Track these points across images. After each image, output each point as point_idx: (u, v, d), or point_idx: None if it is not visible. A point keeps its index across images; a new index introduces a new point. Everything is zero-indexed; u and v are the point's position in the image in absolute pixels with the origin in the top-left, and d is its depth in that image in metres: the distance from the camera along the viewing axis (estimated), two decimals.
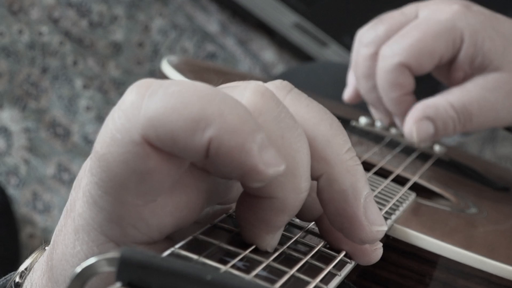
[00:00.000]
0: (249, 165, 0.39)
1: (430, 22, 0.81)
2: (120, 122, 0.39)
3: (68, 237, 0.45)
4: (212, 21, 2.19)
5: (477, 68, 0.82)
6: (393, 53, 0.81)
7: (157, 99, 0.39)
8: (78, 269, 0.37)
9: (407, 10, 0.85)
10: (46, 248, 0.52)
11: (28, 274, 0.52)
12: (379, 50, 0.83)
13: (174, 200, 0.44)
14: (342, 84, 0.98)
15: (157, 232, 0.43)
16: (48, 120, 1.99)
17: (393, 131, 0.95)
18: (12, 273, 0.54)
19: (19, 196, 1.89)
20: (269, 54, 2.21)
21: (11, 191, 1.87)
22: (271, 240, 0.44)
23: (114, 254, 0.36)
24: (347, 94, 0.94)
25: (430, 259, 0.60)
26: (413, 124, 0.79)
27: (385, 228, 0.46)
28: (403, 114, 0.83)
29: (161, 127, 0.39)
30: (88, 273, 0.37)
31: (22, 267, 0.53)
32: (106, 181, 0.41)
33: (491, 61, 0.81)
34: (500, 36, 0.82)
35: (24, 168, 1.92)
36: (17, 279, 0.53)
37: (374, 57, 0.84)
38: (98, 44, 2.09)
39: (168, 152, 0.40)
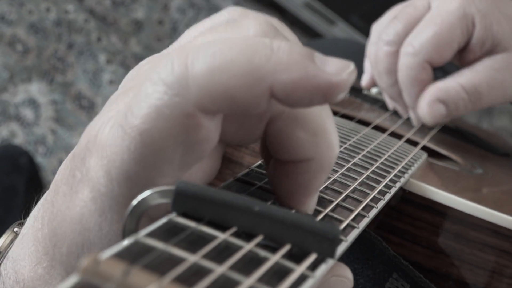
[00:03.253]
0: (323, 84, 0.36)
1: (443, 14, 0.81)
2: (167, 96, 0.36)
3: (87, 222, 0.40)
4: (227, 0, 2.20)
5: (487, 50, 0.82)
6: (415, 50, 0.81)
7: (202, 65, 0.36)
8: (135, 202, 0.36)
9: (418, 2, 0.84)
10: (16, 230, 0.47)
11: (2, 260, 0.46)
12: (399, 47, 0.83)
13: (203, 167, 0.44)
14: (350, 57, 0.97)
15: None
16: (73, 93, 1.99)
17: None
18: None
19: (46, 164, 1.89)
20: None
21: (39, 159, 1.88)
22: (311, 203, 0.42)
23: (168, 186, 0.36)
24: (365, 81, 0.94)
25: (444, 211, 0.60)
26: (426, 106, 0.79)
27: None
28: None
29: (216, 91, 0.36)
30: (143, 205, 0.36)
31: None
32: (148, 156, 0.37)
33: (499, 43, 0.81)
34: (507, 18, 0.82)
35: (51, 137, 1.92)
36: None
37: (395, 54, 0.84)
38: (121, 21, 2.09)
39: (227, 114, 0.38)
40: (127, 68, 2.02)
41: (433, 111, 0.79)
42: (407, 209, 0.60)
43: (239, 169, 0.48)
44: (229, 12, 0.45)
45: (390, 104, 0.91)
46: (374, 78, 0.91)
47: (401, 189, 0.60)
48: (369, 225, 0.59)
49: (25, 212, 0.47)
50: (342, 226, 0.42)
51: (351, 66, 0.37)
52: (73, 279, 0.27)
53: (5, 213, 1.31)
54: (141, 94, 0.37)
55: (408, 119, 0.87)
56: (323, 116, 0.40)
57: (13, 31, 2.01)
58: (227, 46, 0.36)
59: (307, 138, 0.40)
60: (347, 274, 0.43)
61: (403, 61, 0.82)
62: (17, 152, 1.59)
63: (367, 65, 0.95)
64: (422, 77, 0.82)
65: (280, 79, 0.36)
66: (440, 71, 0.87)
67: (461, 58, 0.84)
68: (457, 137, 0.89)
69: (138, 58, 2.04)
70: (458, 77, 0.81)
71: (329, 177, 0.50)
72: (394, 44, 0.84)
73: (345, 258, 0.57)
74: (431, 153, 0.75)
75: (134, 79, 0.44)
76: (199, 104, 0.36)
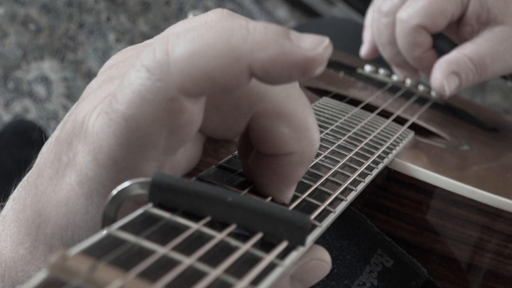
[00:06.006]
0: (300, 60, 0.36)
1: None
2: (150, 82, 0.36)
3: (73, 204, 0.40)
4: None
5: (483, 23, 0.81)
6: (409, 16, 0.81)
7: (182, 50, 0.36)
8: (114, 192, 0.36)
9: None
10: None
11: None
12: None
13: (187, 153, 0.43)
14: (347, 36, 0.98)
15: None
16: (84, 70, 1.99)
17: (394, 77, 0.95)
18: None
19: None
20: (282, 11, 2.20)
21: (51, 134, 1.88)
22: (289, 193, 0.42)
23: (146, 178, 0.36)
24: (364, 51, 0.94)
25: (427, 189, 0.60)
26: (443, 79, 0.79)
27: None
28: (428, 68, 0.83)
29: (197, 73, 0.36)
30: (122, 195, 0.36)
31: None
32: (133, 141, 0.37)
33: (495, 16, 0.81)
34: None
35: (62, 113, 1.92)
36: None
37: (394, 25, 0.84)
38: (129, 2, 2.08)
39: (209, 95, 0.38)
40: None
41: (450, 83, 0.79)
42: (392, 187, 0.60)
43: (234, 148, 0.48)
44: (215, 13, 0.45)
45: (399, 74, 0.91)
46: (374, 49, 0.91)
47: (387, 168, 0.60)
48: (355, 203, 0.59)
49: (5, 194, 0.47)
50: (318, 211, 0.42)
51: (326, 41, 0.37)
52: (42, 275, 0.27)
53: (13, 187, 1.31)
54: (125, 81, 0.37)
55: (400, 97, 0.86)
56: (305, 113, 0.40)
57: (26, 11, 2.01)
58: (204, 30, 0.36)
59: (289, 134, 0.40)
60: (326, 257, 0.43)
61: (399, 28, 0.82)
62: (29, 127, 1.59)
63: (366, 35, 0.94)
64: (420, 41, 0.82)
65: (258, 57, 0.36)
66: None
67: (459, 32, 0.84)
68: (447, 113, 0.88)
69: (146, 37, 2.04)
70: (463, 50, 0.81)
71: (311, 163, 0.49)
72: (392, 15, 0.84)
73: (332, 235, 0.57)
74: (420, 130, 0.75)
75: (118, 66, 0.44)
76: (182, 87, 0.36)
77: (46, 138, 0.47)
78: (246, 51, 0.36)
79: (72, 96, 1.95)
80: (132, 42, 2.03)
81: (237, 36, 0.36)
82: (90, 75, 1.98)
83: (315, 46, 0.37)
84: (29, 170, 0.45)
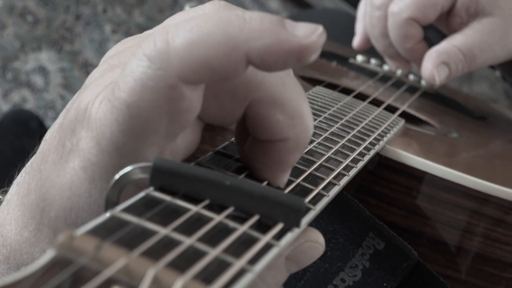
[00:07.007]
0: (295, 47, 0.37)
1: None
2: (151, 70, 0.37)
3: (77, 188, 0.41)
4: None
5: (472, 15, 0.82)
6: (400, 10, 0.82)
7: (182, 40, 0.36)
8: (117, 176, 0.37)
9: None
10: (0, 197, 0.47)
11: None
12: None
13: (186, 139, 0.44)
14: (339, 27, 0.98)
15: None
16: (81, 61, 1.99)
17: (385, 67, 0.96)
18: None
19: None
20: (274, 3, 2.20)
21: (49, 123, 1.88)
22: (284, 178, 0.43)
23: (147, 163, 0.37)
24: (357, 42, 0.94)
25: (417, 175, 0.60)
26: (433, 69, 0.80)
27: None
28: (419, 60, 0.83)
29: (196, 62, 0.36)
30: (125, 179, 0.37)
31: None
32: (135, 127, 0.38)
33: (483, 7, 0.81)
34: None
35: (60, 103, 1.93)
36: None
37: (386, 18, 0.85)
38: None
39: (208, 83, 0.39)
40: None
41: (440, 73, 0.80)
42: (383, 173, 0.61)
43: (230, 136, 0.48)
44: (212, 4, 0.45)
45: (392, 65, 0.91)
46: (366, 40, 0.92)
47: (378, 154, 0.60)
48: (348, 188, 0.59)
49: (8, 180, 0.47)
50: (312, 194, 0.43)
51: (319, 29, 0.38)
52: (50, 253, 0.28)
53: (17, 173, 1.31)
54: (127, 69, 0.37)
55: (390, 86, 0.87)
56: (300, 101, 0.41)
57: (24, 3, 2.01)
58: (203, 20, 0.37)
59: (285, 121, 0.41)
60: (320, 239, 0.44)
61: (391, 21, 0.83)
62: (28, 116, 1.59)
63: (359, 27, 0.95)
64: (411, 33, 0.83)
65: (255, 46, 0.37)
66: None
67: (448, 23, 0.85)
68: (437, 102, 0.89)
69: (142, 29, 2.04)
70: (453, 40, 0.81)
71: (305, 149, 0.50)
72: (384, 8, 0.85)
73: (325, 219, 0.58)
74: (410, 118, 0.76)
75: (119, 55, 0.44)
76: (182, 75, 0.37)
77: (44, 127, 0.47)
78: (243, 40, 0.37)
79: (69, 86, 1.95)
80: (128, 33, 2.03)
81: (234, 25, 0.37)
82: (86, 66, 1.98)
83: (309, 34, 0.37)
84: (30, 158, 0.46)
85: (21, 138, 1.48)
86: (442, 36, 0.85)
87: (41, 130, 1.66)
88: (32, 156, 0.46)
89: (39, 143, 0.45)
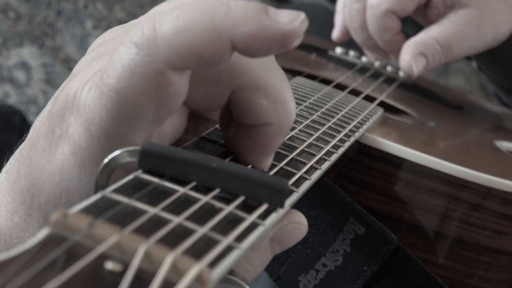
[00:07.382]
0: (278, 33, 0.38)
1: None
2: (139, 57, 0.37)
3: (66, 173, 0.41)
4: None
5: (449, 6, 0.83)
6: (379, 2, 0.82)
7: (168, 27, 0.37)
8: (106, 160, 0.38)
9: None
10: None
11: None
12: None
13: (173, 124, 0.45)
14: (317, 21, 0.99)
15: None
16: (63, 56, 1.99)
17: (364, 59, 0.97)
18: None
19: None
20: None
21: (31, 118, 1.88)
22: (268, 161, 0.44)
23: (136, 147, 0.38)
24: (336, 34, 0.95)
25: (396, 162, 0.61)
26: (411, 60, 0.81)
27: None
28: (397, 51, 0.84)
29: (182, 48, 0.37)
30: (114, 163, 0.38)
31: None
32: (124, 113, 0.39)
33: None
34: None
35: (42, 98, 1.92)
36: None
37: (365, 10, 0.85)
38: None
39: (194, 69, 0.39)
40: None
41: (418, 64, 0.80)
42: (363, 160, 0.61)
43: (213, 126, 0.49)
44: None
45: (371, 57, 0.92)
46: (346, 33, 0.93)
47: (357, 142, 0.61)
48: (329, 175, 0.60)
49: None
50: (295, 178, 0.44)
51: (302, 15, 0.39)
52: (45, 231, 0.29)
53: (4, 163, 1.31)
54: (115, 57, 0.38)
55: (369, 77, 0.88)
56: (282, 86, 0.42)
57: (5, 0, 2.00)
58: (189, 8, 0.38)
59: (268, 106, 0.41)
60: (303, 221, 0.45)
61: (369, 14, 0.84)
62: (10, 111, 1.58)
63: (338, 19, 0.95)
64: (389, 25, 0.83)
65: (239, 32, 0.37)
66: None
67: (426, 15, 0.85)
68: (414, 92, 0.90)
69: (122, 24, 2.04)
70: (430, 31, 0.82)
71: (288, 133, 0.51)
72: (363, 1, 0.85)
73: (307, 205, 0.59)
74: (389, 108, 0.76)
75: (107, 44, 0.45)
76: (168, 61, 0.37)
77: (27, 122, 0.47)
78: (228, 27, 0.37)
79: (51, 81, 1.95)
80: (108, 28, 2.02)
81: (220, 13, 0.38)
82: (68, 61, 1.98)
83: (292, 20, 0.38)
84: (13, 151, 0.46)
85: (4, 132, 1.48)
86: (418, 29, 0.86)
87: (24, 125, 1.65)
88: (16, 149, 0.46)
89: (23, 137, 0.46)
